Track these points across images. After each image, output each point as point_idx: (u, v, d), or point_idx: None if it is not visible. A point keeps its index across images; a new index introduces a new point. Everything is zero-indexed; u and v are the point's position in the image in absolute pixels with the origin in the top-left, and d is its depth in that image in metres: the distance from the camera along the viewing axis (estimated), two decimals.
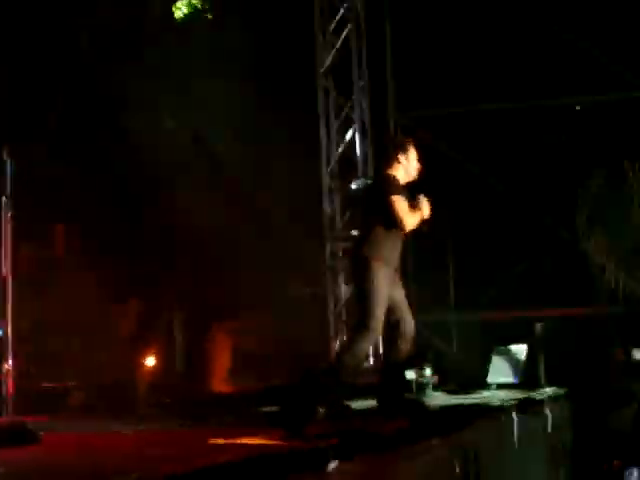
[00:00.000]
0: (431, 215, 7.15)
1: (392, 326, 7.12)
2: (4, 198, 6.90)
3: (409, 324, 7.03)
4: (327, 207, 13.11)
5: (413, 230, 7.11)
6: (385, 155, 7.39)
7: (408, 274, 13.02)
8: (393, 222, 6.90)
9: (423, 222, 7.11)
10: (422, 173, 7.36)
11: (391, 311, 7.02)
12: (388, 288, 6.89)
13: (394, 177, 7.14)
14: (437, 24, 13.55)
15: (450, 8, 13.46)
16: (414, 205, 7.02)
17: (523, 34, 13.38)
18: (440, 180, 12.92)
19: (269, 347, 18.50)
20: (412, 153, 7.28)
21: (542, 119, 13.67)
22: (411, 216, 6.93)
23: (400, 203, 6.90)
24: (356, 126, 13.24)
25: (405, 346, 7.02)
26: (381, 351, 12.47)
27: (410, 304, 7.21)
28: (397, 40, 13.99)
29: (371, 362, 12.65)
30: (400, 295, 7.10)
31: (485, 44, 13.44)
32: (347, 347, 7.07)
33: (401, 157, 7.22)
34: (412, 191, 7.26)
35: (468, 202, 13.53)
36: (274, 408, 6.88)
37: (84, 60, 13.31)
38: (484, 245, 13.52)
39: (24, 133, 7.31)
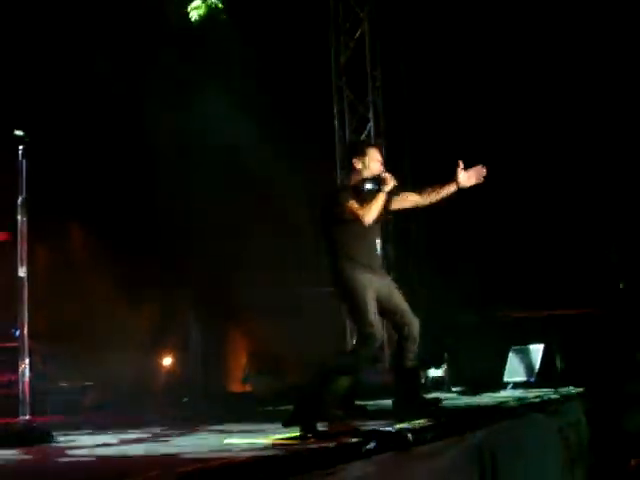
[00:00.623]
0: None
1: (394, 328, 7.11)
2: (20, 198, 6.91)
3: (413, 325, 6.97)
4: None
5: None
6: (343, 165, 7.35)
7: (424, 275, 13.04)
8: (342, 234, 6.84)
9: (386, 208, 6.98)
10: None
11: (392, 315, 6.99)
12: (373, 288, 6.83)
13: (343, 189, 7.07)
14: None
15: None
16: (368, 198, 6.84)
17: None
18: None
19: (284, 347, 18.52)
20: (370, 153, 7.13)
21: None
22: (368, 208, 6.74)
23: (349, 207, 6.76)
24: (371, 125, 13.24)
25: (412, 347, 6.98)
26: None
27: (425, 304, 7.18)
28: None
29: (387, 363, 12.64)
30: (397, 297, 7.02)
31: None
32: (351, 353, 7.03)
33: (356, 160, 7.13)
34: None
35: (484, 202, 13.50)
36: (289, 407, 6.87)
37: (97, 58, 13.35)
38: (501, 245, 13.50)
39: (39, 133, 7.30)
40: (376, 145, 7.42)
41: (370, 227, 6.91)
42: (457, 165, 7.12)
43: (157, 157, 14.60)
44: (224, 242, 15.10)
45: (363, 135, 13.25)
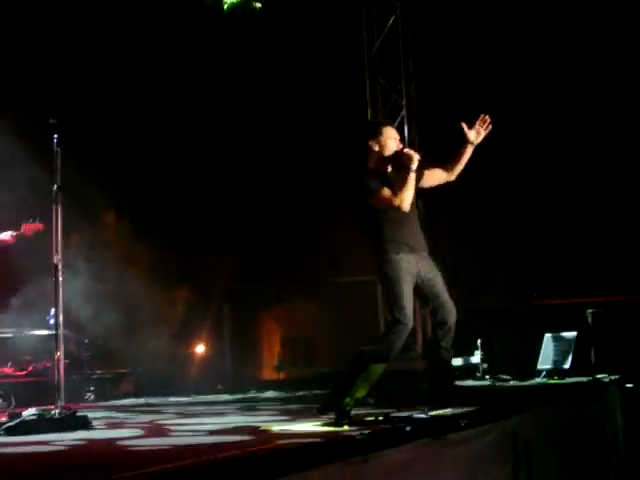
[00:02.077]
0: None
1: (431, 314, 7.06)
2: (55, 187, 6.95)
3: (448, 310, 6.89)
4: None
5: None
6: (358, 150, 7.13)
7: (462, 262, 12.99)
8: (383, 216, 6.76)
9: (421, 165, 6.83)
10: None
11: (427, 299, 6.93)
12: (413, 275, 6.76)
13: (368, 174, 6.91)
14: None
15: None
16: (400, 179, 6.75)
17: None
18: (488, 168, 12.90)
19: (317, 333, 18.53)
20: (386, 132, 6.93)
21: None
22: (401, 194, 6.69)
23: (382, 197, 6.70)
24: (404, 113, 13.20)
25: (447, 334, 6.92)
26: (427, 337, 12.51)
27: (460, 291, 7.10)
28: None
29: (419, 350, 12.64)
30: (438, 282, 6.93)
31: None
32: (380, 340, 6.95)
33: (372, 143, 6.93)
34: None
35: (518, 186, 13.45)
36: (324, 394, 6.88)
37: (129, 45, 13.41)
38: (534, 231, 13.45)
39: (74, 121, 7.34)
40: (389, 123, 7.26)
41: (409, 210, 6.84)
42: (461, 127, 7.01)
43: (189, 146, 14.65)
44: (258, 230, 15.14)
45: (396, 123, 13.20)
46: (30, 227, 9.37)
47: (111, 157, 13.45)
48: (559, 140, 13.34)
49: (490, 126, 7.04)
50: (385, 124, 7.15)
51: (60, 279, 6.91)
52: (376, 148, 6.89)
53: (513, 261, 13.75)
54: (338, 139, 13.19)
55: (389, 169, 6.91)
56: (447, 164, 7.11)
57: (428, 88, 13.75)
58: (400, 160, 6.83)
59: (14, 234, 9.45)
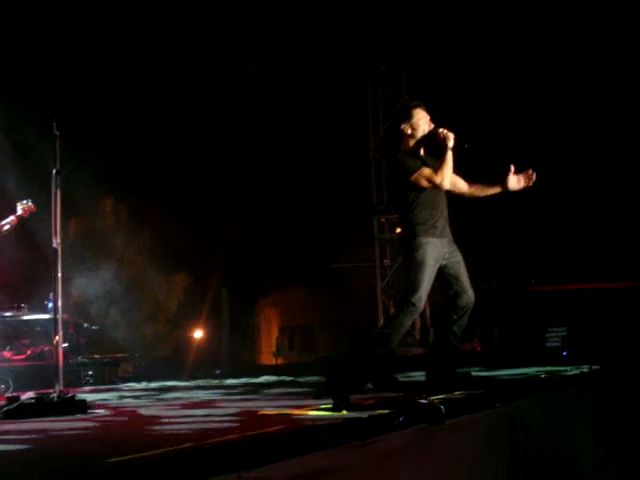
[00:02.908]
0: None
1: (449, 298, 7.05)
2: (54, 171, 6.93)
3: (467, 297, 6.92)
4: (374, 180, 13.10)
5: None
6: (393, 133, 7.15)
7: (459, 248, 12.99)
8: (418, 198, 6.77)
9: (457, 142, 6.82)
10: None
11: (450, 283, 6.94)
12: (437, 261, 6.79)
13: (404, 153, 6.95)
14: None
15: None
16: (439, 159, 6.76)
17: None
18: (485, 155, 12.90)
19: (315, 319, 18.54)
20: (416, 114, 6.93)
21: None
22: (442, 172, 6.74)
23: (423, 175, 6.74)
24: (404, 99, 13.17)
25: (459, 319, 6.94)
26: (428, 324, 12.53)
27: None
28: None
29: (417, 335, 12.65)
30: (459, 266, 6.95)
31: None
32: (390, 321, 6.96)
33: (404, 126, 6.94)
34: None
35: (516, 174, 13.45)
36: (321, 379, 6.89)
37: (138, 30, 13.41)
38: (532, 219, 13.45)
39: (74, 107, 7.35)
40: (418, 104, 7.26)
41: (440, 194, 6.90)
42: (509, 169, 7.03)
43: (189, 131, 14.63)
44: (257, 216, 15.14)
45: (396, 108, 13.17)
46: (25, 208, 9.41)
47: (110, 142, 13.44)
48: (561, 126, 13.34)
49: (532, 183, 7.06)
50: (414, 106, 7.17)
51: (59, 264, 6.90)
52: (409, 131, 6.93)
53: (512, 248, 13.77)
54: (339, 125, 13.20)
55: (422, 152, 6.95)
56: (474, 183, 7.13)
57: (429, 74, 13.73)
58: (434, 140, 6.86)
59: (16, 215, 9.50)
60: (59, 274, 6.90)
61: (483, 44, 13.54)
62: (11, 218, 9.50)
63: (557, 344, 11.18)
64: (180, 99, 14.42)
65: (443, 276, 6.87)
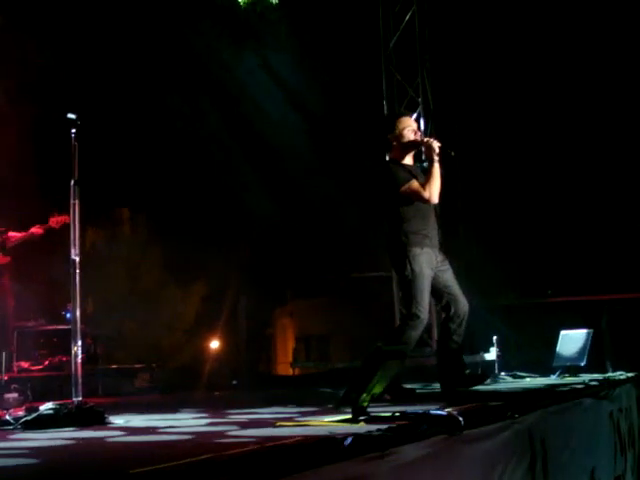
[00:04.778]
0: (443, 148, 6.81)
1: (443, 308, 7.07)
2: (72, 182, 6.95)
3: (461, 305, 6.93)
4: None
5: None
6: (380, 142, 7.14)
7: (474, 259, 12.99)
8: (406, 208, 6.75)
9: (443, 151, 6.79)
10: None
11: (440, 293, 6.95)
12: (432, 270, 6.79)
13: (393, 163, 6.96)
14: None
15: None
16: (428, 172, 6.74)
17: None
18: (504, 165, 12.89)
19: (332, 329, 18.51)
20: (400, 123, 6.97)
21: None
22: (429, 186, 6.72)
23: (412, 188, 6.72)
24: (420, 108, 13.17)
25: (458, 328, 6.95)
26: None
27: (476, 288, 7.11)
28: None
29: (434, 346, 12.62)
30: (448, 276, 6.96)
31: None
32: (396, 335, 6.95)
33: (390, 136, 6.97)
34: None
35: (533, 187, 13.44)
36: (339, 390, 6.89)
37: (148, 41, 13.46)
38: (550, 228, 13.43)
39: (92, 117, 7.37)
40: (405, 113, 7.28)
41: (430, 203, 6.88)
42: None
43: (204, 143, 14.68)
44: (273, 228, 15.15)
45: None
46: (57, 220, 9.38)
47: (127, 154, 13.50)
48: (576, 134, 13.31)
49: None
50: (400, 115, 7.21)
51: (77, 274, 6.92)
52: (394, 142, 6.94)
53: (529, 258, 13.73)
54: (355, 134, 13.20)
55: (410, 161, 6.95)
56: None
57: (445, 84, 13.72)
58: (420, 149, 6.87)
59: (42, 227, 9.50)
60: (77, 285, 6.92)
61: (500, 55, 13.53)
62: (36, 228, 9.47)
63: (574, 354, 11.13)
64: (194, 107, 14.46)
65: (435, 286, 6.88)
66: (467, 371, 7.30)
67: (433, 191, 6.71)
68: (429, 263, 6.75)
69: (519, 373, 11.16)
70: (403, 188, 6.72)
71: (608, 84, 13.24)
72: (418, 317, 6.62)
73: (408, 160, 6.99)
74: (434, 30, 13.54)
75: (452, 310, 6.93)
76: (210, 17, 13.61)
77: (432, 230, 6.92)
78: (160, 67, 13.81)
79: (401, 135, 6.95)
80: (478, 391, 7.26)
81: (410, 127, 6.98)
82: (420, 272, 6.67)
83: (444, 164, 6.85)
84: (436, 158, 6.73)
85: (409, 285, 6.71)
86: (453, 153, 6.76)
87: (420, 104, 13.15)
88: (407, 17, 13.33)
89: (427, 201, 6.71)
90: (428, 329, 10.40)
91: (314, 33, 13.64)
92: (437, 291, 6.95)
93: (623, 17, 13.08)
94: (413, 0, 13.33)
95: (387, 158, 7.18)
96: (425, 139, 6.91)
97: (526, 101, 13.63)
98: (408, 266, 6.69)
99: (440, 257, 6.96)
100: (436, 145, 6.75)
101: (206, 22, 13.71)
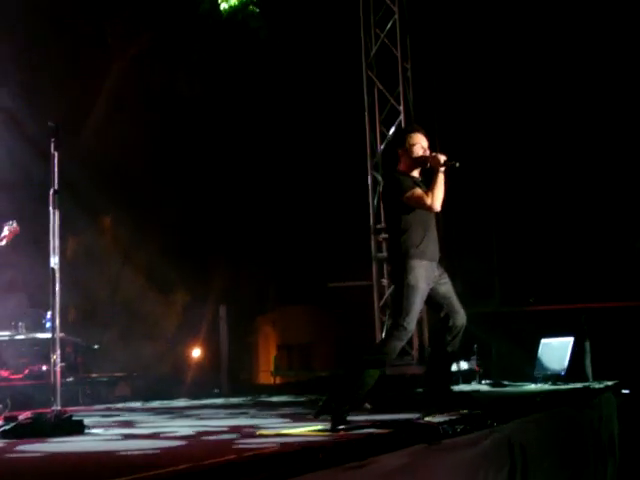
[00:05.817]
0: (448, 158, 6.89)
1: (441, 320, 7.08)
2: (52, 191, 6.93)
3: (459, 318, 6.96)
4: (372, 200, 13.11)
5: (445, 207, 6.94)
6: (390, 154, 7.28)
7: (458, 266, 13.00)
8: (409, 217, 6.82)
9: (448, 162, 6.86)
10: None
11: (440, 305, 6.98)
12: (429, 284, 6.83)
13: (399, 173, 7.04)
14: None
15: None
16: (432, 180, 6.82)
17: None
18: (485, 175, 12.92)
19: (314, 338, 18.50)
20: (410, 139, 7.05)
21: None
22: (433, 194, 6.78)
23: (415, 195, 6.81)
24: (401, 118, 13.19)
25: (454, 340, 6.97)
26: (425, 344, 12.51)
27: (456, 296, 7.13)
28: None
29: (415, 355, 12.62)
30: (447, 288, 7.01)
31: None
32: (379, 344, 6.98)
33: (400, 151, 7.10)
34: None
35: (513, 195, 13.48)
36: (319, 398, 6.88)
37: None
38: (529, 238, 13.46)
39: (70, 124, 7.35)
40: (417, 129, 7.33)
41: (431, 215, 6.94)
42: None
43: (188, 151, 14.66)
44: (255, 235, 15.14)
45: (393, 127, 13.19)
46: (11, 229, 9.24)
47: (109, 161, 13.46)
48: (560, 145, 13.36)
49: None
50: (412, 130, 7.28)
51: (57, 283, 6.89)
52: (403, 156, 7.03)
53: (510, 266, 13.76)
54: (336, 144, 13.20)
55: (417, 175, 7.03)
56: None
57: (426, 93, 13.74)
58: (427, 164, 6.95)
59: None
60: (57, 293, 6.89)
61: (482, 63, 13.58)
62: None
63: (554, 363, 11.16)
64: (178, 114, 14.44)
65: (434, 298, 6.92)
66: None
67: (436, 199, 6.79)
68: (426, 278, 6.79)
69: (500, 381, 11.19)
70: (407, 195, 6.79)
71: (593, 95, 13.30)
72: (405, 329, 6.66)
73: (415, 174, 7.08)
74: (415, 39, 13.57)
75: (450, 322, 6.97)
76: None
77: (432, 242, 6.97)
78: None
79: (410, 151, 7.04)
80: (460, 400, 7.26)
81: (419, 144, 7.07)
82: (415, 285, 6.71)
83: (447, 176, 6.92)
84: (441, 169, 6.81)
85: (401, 296, 6.74)
86: (458, 164, 6.83)
87: (401, 112, 13.17)
88: (388, 26, 13.36)
89: (430, 208, 6.78)
90: (408, 340, 10.39)
91: (295, 41, 13.64)
92: (436, 303, 6.99)
93: (613, 15, 13.13)
94: (394, 9, 13.36)
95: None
96: (433, 154, 6.99)
97: (508, 110, 13.68)
98: (404, 278, 6.73)
99: (440, 270, 7.01)
100: (442, 158, 6.84)
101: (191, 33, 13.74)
